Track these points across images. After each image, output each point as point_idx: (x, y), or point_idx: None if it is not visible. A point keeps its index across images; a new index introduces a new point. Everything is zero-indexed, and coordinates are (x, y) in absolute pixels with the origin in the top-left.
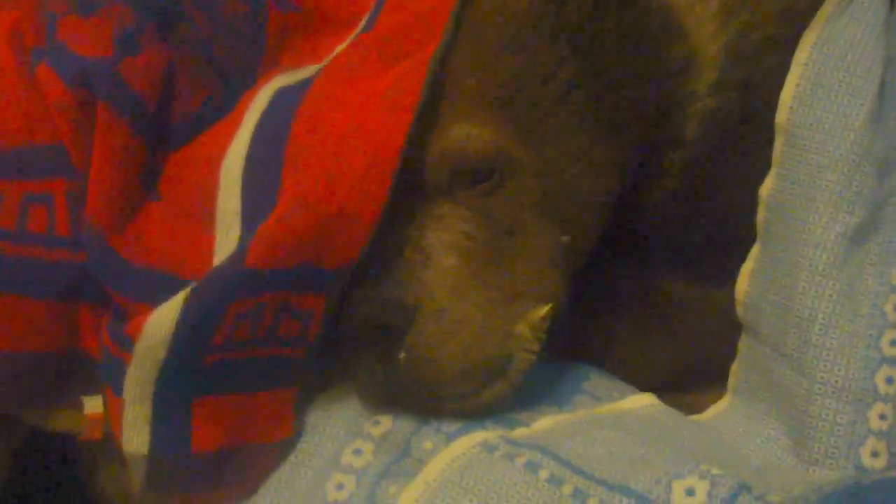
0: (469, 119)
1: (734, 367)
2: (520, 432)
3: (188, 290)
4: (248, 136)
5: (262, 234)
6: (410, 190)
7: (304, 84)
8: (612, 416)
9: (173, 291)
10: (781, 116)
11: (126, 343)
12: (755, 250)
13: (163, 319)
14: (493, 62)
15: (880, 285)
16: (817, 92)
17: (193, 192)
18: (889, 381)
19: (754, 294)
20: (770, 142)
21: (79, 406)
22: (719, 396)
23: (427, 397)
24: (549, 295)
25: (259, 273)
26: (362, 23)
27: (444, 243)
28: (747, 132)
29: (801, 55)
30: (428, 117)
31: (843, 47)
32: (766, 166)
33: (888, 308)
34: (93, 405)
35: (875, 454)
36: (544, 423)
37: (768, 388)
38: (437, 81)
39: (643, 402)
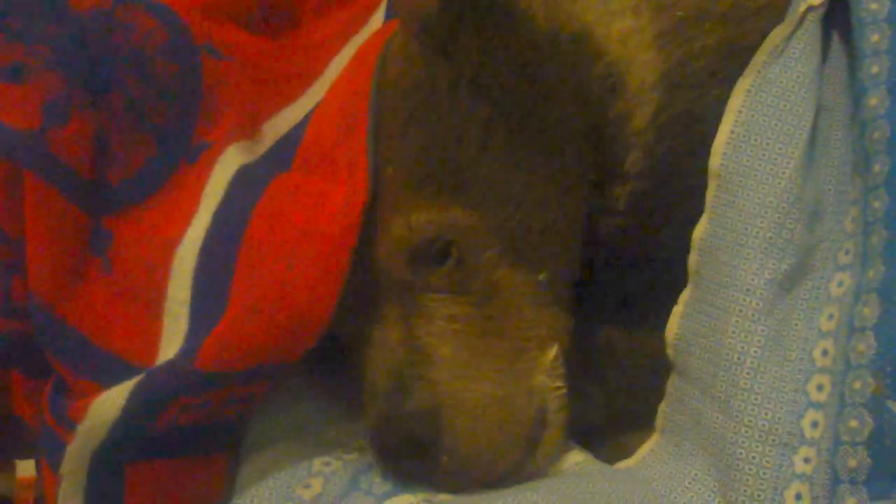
0: (403, 209)
1: (662, 407)
2: (444, 497)
3: (136, 380)
4: (204, 226)
5: (214, 338)
6: (380, 290)
7: (263, 179)
8: (541, 480)
9: (117, 373)
10: (715, 161)
11: (68, 423)
12: (686, 293)
13: (108, 407)
14: (403, 142)
15: (808, 330)
16: (749, 139)
17: (144, 275)
18: (814, 425)
19: (684, 336)
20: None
21: (11, 469)
22: (648, 437)
23: (485, 483)
24: (551, 334)
25: (208, 375)
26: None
27: (435, 335)
28: (691, 168)
29: (735, 102)
30: (370, 216)
31: (775, 95)
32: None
33: (816, 354)
34: (25, 469)
35: (798, 497)
36: None
37: (696, 429)
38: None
39: (573, 460)
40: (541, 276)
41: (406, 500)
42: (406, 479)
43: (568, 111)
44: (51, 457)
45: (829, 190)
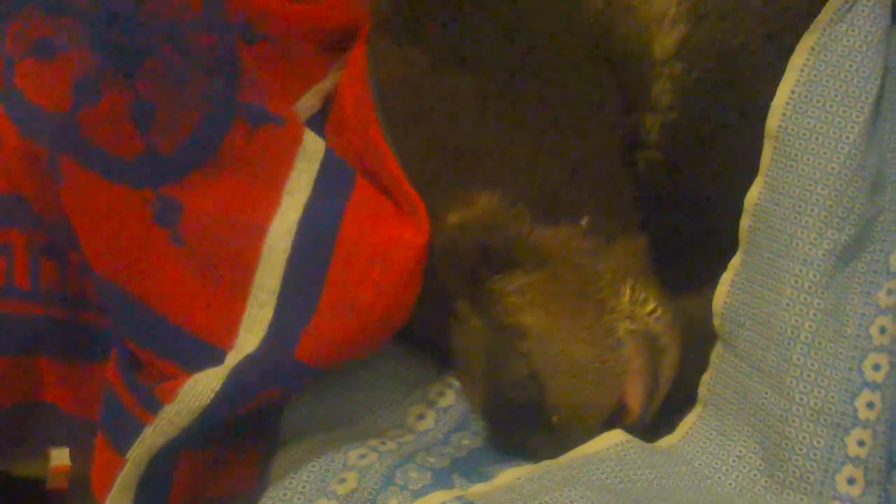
0: (434, 215)
1: (706, 378)
2: (478, 489)
3: (231, 366)
4: (295, 218)
5: (314, 331)
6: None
7: (348, 179)
8: (575, 466)
9: (197, 354)
10: (773, 122)
11: (152, 403)
12: (736, 260)
13: (201, 390)
14: (411, 144)
15: (865, 306)
16: (812, 100)
17: (230, 257)
18: (870, 406)
19: (733, 305)
20: (754, 138)
21: (44, 457)
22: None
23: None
24: (619, 275)
25: (307, 366)
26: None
27: (511, 311)
28: (726, 104)
29: (798, 60)
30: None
31: (841, 54)
32: (752, 168)
33: (873, 331)
34: (58, 457)
35: (851, 481)
36: (505, 477)
37: (742, 404)
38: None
39: (609, 441)
40: (583, 222)
41: (439, 497)
42: (524, 448)
43: (564, 47)
44: (118, 436)
45: (892, 158)
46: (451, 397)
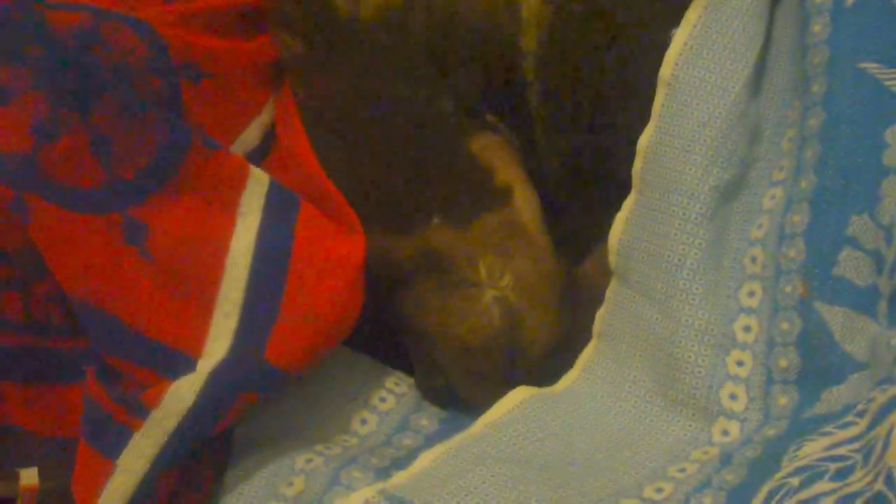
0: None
1: (601, 312)
2: (398, 479)
3: (209, 369)
4: (251, 238)
5: (278, 336)
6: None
7: (294, 202)
8: (485, 437)
9: (173, 362)
10: (666, 70)
11: (139, 409)
12: (630, 200)
13: (183, 394)
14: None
15: (740, 241)
16: (702, 52)
17: (196, 270)
18: (747, 329)
19: (627, 241)
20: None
21: (14, 478)
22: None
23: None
24: (476, 248)
25: (276, 370)
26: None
27: (417, 316)
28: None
29: (692, 14)
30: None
31: (730, 15)
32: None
33: (746, 261)
34: (28, 477)
35: (733, 396)
36: (423, 460)
37: (635, 332)
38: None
39: (514, 401)
40: (434, 221)
41: (364, 493)
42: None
43: (394, 62)
44: (106, 442)
45: (769, 115)
46: (391, 401)
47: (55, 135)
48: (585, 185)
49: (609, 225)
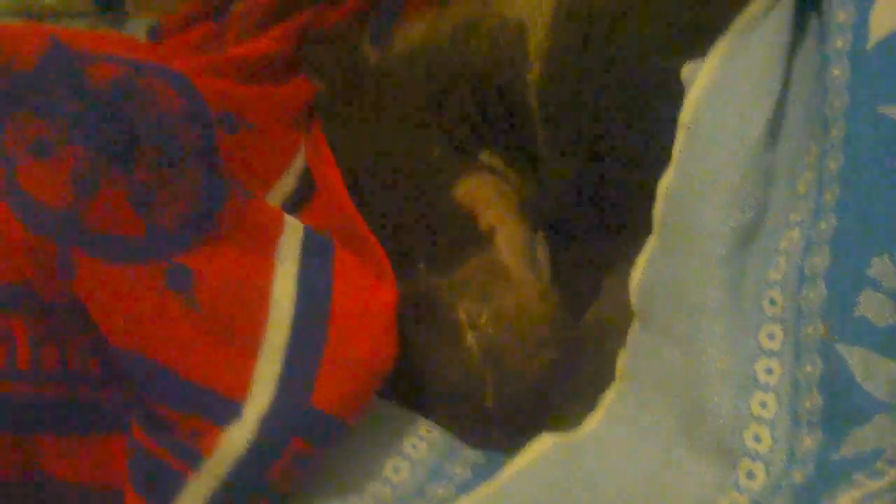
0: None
1: (622, 355)
2: None
3: (261, 414)
4: (292, 280)
5: (323, 382)
6: None
7: (329, 247)
8: (511, 490)
9: (221, 408)
10: (686, 114)
11: (190, 455)
12: (651, 242)
13: (236, 438)
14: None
15: (758, 283)
16: (723, 96)
17: (238, 313)
18: (769, 371)
19: (647, 283)
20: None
21: None
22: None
23: None
24: (456, 292)
25: (326, 416)
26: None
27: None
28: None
29: (713, 59)
30: None
31: (750, 60)
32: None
33: (764, 303)
34: None
35: (757, 438)
36: None
37: (657, 374)
38: None
39: (536, 451)
40: (420, 266)
41: None
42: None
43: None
44: (158, 492)
45: (784, 158)
46: (423, 450)
47: (95, 186)
48: (588, 211)
49: (614, 250)
